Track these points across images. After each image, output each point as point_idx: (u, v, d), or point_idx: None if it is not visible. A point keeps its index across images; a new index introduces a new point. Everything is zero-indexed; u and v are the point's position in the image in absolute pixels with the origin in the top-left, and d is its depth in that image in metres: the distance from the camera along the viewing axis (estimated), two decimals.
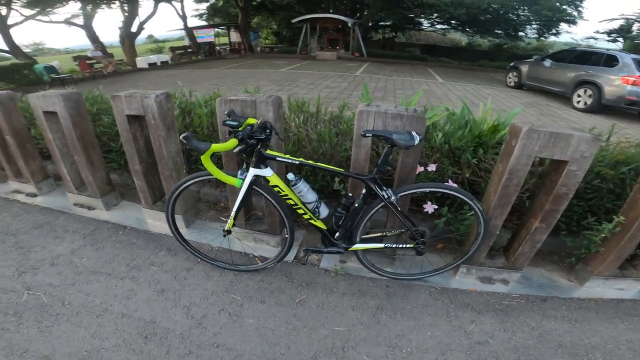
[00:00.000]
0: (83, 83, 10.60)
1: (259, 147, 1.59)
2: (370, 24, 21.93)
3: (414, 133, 1.55)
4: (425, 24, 22.46)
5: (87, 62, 12.21)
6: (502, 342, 1.74)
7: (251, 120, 1.67)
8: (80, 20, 16.85)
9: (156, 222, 2.54)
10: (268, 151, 1.64)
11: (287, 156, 1.64)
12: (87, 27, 16.47)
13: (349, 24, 18.50)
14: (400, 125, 1.64)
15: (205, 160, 1.47)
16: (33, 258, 2.20)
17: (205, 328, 1.74)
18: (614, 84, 7.40)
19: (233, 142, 1.46)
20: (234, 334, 1.71)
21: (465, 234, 2.10)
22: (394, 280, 2.10)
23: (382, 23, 22.84)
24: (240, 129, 1.60)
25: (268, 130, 1.59)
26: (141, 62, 14.80)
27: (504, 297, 2.03)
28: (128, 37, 16.65)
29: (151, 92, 2.07)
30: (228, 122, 1.62)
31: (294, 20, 19.47)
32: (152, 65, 14.94)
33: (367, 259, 2.02)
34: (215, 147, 1.42)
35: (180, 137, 1.35)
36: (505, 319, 1.87)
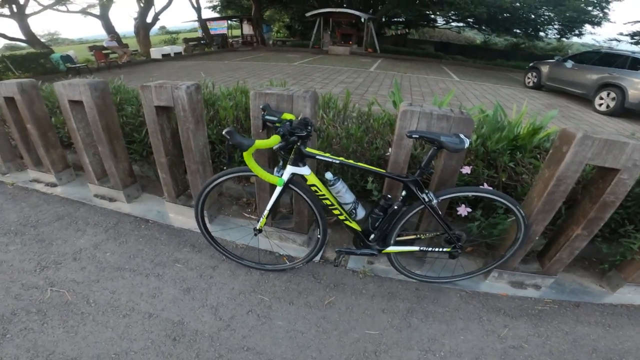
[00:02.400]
0: (98, 73, 10.64)
1: (299, 144, 1.53)
2: (383, 20, 21.61)
3: (462, 136, 1.47)
4: (441, 21, 22.08)
5: (103, 52, 12.23)
6: (537, 346, 1.71)
7: (287, 116, 1.61)
8: (96, 10, 16.90)
9: (178, 216, 2.50)
10: (307, 149, 1.57)
11: (327, 154, 1.57)
12: (104, 17, 16.51)
13: (363, 19, 18.27)
14: (446, 127, 1.57)
15: (248, 156, 1.42)
16: (55, 252, 2.17)
17: (234, 330, 1.69)
18: (639, 87, 7.17)
19: (276, 138, 1.40)
20: (264, 337, 1.66)
21: (497, 238, 2.03)
22: (424, 283, 2.05)
23: (395, 19, 22.50)
24: (278, 124, 1.54)
25: (309, 127, 1.52)
26: (155, 52, 14.81)
27: (537, 302, 1.98)
28: (143, 28, 16.65)
29: (181, 82, 2.02)
30: (267, 117, 1.56)
31: (307, 14, 19.29)
32: (166, 56, 14.95)
33: (398, 261, 1.96)
34: (259, 143, 1.36)
35: (224, 132, 1.29)
36: (539, 324, 1.84)
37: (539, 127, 2.16)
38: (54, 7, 15.45)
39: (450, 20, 21.17)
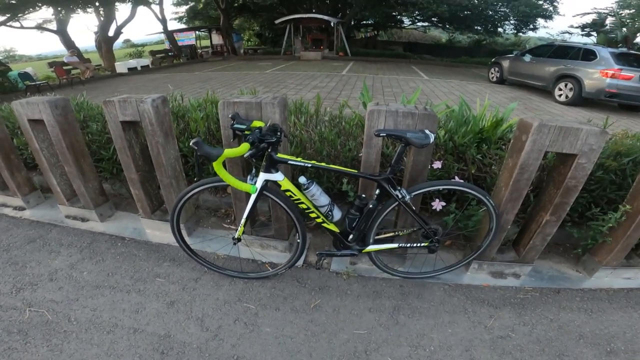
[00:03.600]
0: (60, 90, 10.20)
1: (269, 150, 1.54)
2: (352, 23, 22.01)
3: (427, 131, 1.53)
4: (407, 21, 22.74)
5: (64, 68, 11.77)
6: (524, 335, 1.75)
7: (257, 123, 1.61)
8: (53, 26, 16.24)
9: (156, 232, 2.44)
10: (279, 154, 1.58)
11: (299, 159, 1.59)
12: (62, 33, 15.87)
13: (332, 24, 18.53)
14: (412, 124, 1.62)
15: (218, 166, 1.41)
16: (29, 274, 2.09)
17: (222, 340, 1.67)
18: (594, 77, 7.63)
19: (245, 146, 1.40)
20: (253, 344, 1.65)
21: (474, 229, 2.10)
22: (407, 280, 2.08)
23: (364, 22, 22.99)
24: (247, 132, 1.54)
25: (279, 133, 1.53)
26: (120, 67, 14.40)
27: (518, 291, 2.04)
28: (105, 42, 16.14)
29: (146, 96, 1.98)
30: (236, 126, 1.55)
31: (277, 21, 19.37)
32: (132, 70, 14.56)
33: (380, 260, 1.99)
34: (228, 152, 1.36)
35: (191, 143, 1.29)
36: (523, 313, 1.89)
37: (500, 119, 2.27)
38: (7, 24, 14.71)
39: (416, 20, 21.87)
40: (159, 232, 2.43)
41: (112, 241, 2.41)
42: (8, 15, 14.23)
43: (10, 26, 15.15)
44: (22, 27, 15.84)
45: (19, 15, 14.85)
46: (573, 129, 1.53)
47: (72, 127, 2.28)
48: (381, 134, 1.52)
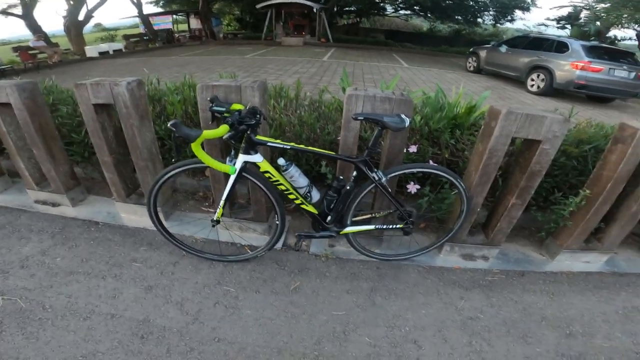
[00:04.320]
0: (26, 74, 9.63)
1: (248, 132, 1.54)
2: (335, 9, 21.71)
3: (403, 116, 1.58)
4: (390, 9, 22.67)
5: (29, 52, 11.09)
6: (491, 317, 1.84)
7: (237, 106, 1.62)
8: (18, 10, 15.18)
9: (131, 215, 2.40)
10: (258, 137, 1.59)
11: (278, 141, 1.61)
12: (27, 17, 14.87)
13: (315, 10, 18.22)
14: (389, 109, 1.66)
15: (196, 148, 1.41)
16: (0, 261, 2.02)
17: (203, 323, 1.69)
18: (564, 68, 7.92)
19: (224, 128, 1.40)
20: (233, 327, 1.68)
21: (447, 212, 2.19)
22: (384, 262, 2.16)
23: (347, 8, 22.72)
24: (226, 114, 1.54)
25: (258, 116, 1.54)
26: (91, 50, 13.65)
27: (486, 273, 2.15)
28: (74, 26, 15.21)
29: (121, 79, 1.93)
30: (215, 108, 1.55)
31: (258, 6, 18.83)
32: (104, 54, 13.84)
33: (357, 242, 2.05)
34: (207, 133, 1.35)
35: (169, 124, 1.28)
36: (491, 294, 1.98)
37: (473, 106, 2.35)
38: None
39: (399, 8, 21.83)
40: (134, 216, 2.39)
41: (85, 226, 2.36)
42: None
43: None
44: None
45: None
46: (538, 116, 1.62)
47: (41, 110, 2.19)
48: (359, 118, 1.56)
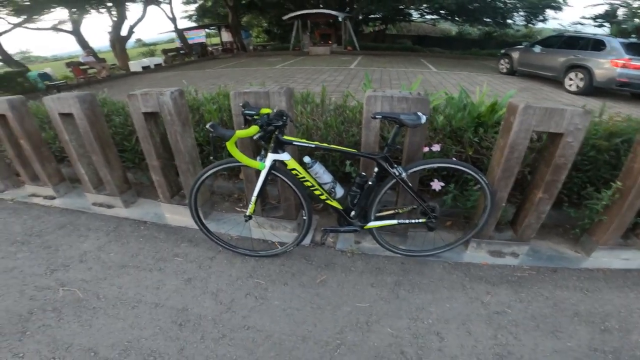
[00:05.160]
0: (79, 89, 10.58)
1: (276, 133, 1.70)
2: (360, 17, 21.94)
3: (419, 113, 1.67)
4: (415, 15, 22.53)
5: (81, 67, 12.18)
6: (520, 311, 1.81)
7: (265, 110, 1.78)
8: (68, 26, 16.74)
9: (175, 215, 2.64)
10: (285, 136, 1.75)
11: (303, 140, 1.75)
12: (76, 33, 16.35)
13: (340, 18, 18.52)
14: (406, 108, 1.76)
15: (231, 146, 1.58)
16: (62, 256, 2.29)
17: (235, 312, 1.83)
18: (604, 66, 7.57)
19: (255, 128, 1.57)
20: (262, 316, 1.80)
21: (472, 209, 2.22)
22: (409, 257, 2.21)
23: (372, 16, 22.87)
24: (256, 117, 1.71)
25: (285, 118, 1.70)
26: (134, 65, 14.79)
27: (516, 270, 2.11)
28: (118, 42, 16.57)
29: (165, 89, 2.17)
30: (246, 112, 1.72)
31: (284, 17, 19.46)
32: (146, 69, 14.94)
33: (382, 238, 2.13)
34: (240, 133, 1.53)
35: (207, 126, 1.46)
36: (520, 290, 1.95)
37: (494, 103, 2.37)
38: (24, 25, 15.20)
39: (424, 14, 21.63)
40: (177, 216, 2.63)
41: (135, 225, 2.63)
42: (24, 17, 14.74)
43: (26, 27, 15.69)
44: (38, 28, 16.39)
45: (35, 16, 15.37)
46: (558, 109, 1.65)
47: (98, 119, 2.49)
48: (377, 116, 1.67)
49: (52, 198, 3.02)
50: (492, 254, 2.22)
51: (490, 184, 1.91)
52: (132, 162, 2.97)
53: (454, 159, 2.17)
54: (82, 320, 1.78)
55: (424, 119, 1.64)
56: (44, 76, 10.58)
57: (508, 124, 1.76)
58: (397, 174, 1.77)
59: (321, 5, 20.62)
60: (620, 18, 16.09)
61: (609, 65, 7.46)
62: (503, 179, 1.91)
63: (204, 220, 2.20)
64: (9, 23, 14.64)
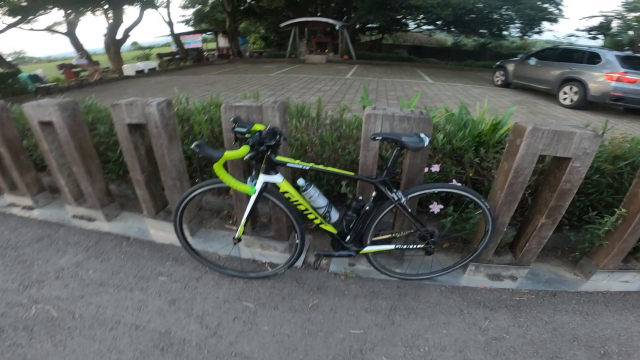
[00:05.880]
0: (70, 92, 10.40)
1: (268, 153, 1.59)
2: (357, 27, 22.11)
3: (422, 135, 1.57)
4: (412, 25, 22.77)
5: (73, 70, 11.98)
6: (518, 337, 1.76)
7: (258, 127, 1.66)
8: (63, 28, 16.57)
9: (159, 232, 2.50)
10: (278, 157, 1.64)
11: (297, 162, 1.64)
12: (71, 35, 16.18)
13: (337, 27, 18.62)
14: (407, 128, 1.66)
15: (218, 168, 1.46)
16: (37, 271, 2.16)
17: (221, 337, 1.72)
18: (598, 80, 7.58)
19: (245, 149, 1.45)
20: (251, 342, 1.70)
21: (471, 232, 2.13)
22: (405, 281, 2.12)
23: (369, 25, 23.05)
24: (247, 135, 1.60)
25: (278, 136, 1.59)
26: (128, 69, 14.58)
27: (514, 293, 2.06)
28: (113, 45, 16.43)
29: (152, 99, 2.04)
30: (237, 129, 1.61)
31: (282, 25, 19.50)
32: (140, 73, 14.73)
33: (377, 261, 2.03)
34: (229, 154, 1.41)
35: (193, 145, 1.34)
36: (518, 314, 1.90)
37: (497, 123, 2.30)
38: (18, 26, 15.01)
39: (421, 24, 21.88)
40: (162, 232, 2.49)
41: (117, 241, 2.48)
42: (19, 17, 14.55)
43: (21, 28, 15.49)
44: (32, 29, 16.19)
45: (30, 17, 15.18)
46: (567, 132, 1.56)
47: (80, 129, 2.36)
48: (377, 138, 1.57)
49: (31, 209, 2.87)
50: (491, 277, 2.15)
51: (492, 209, 1.82)
52: (116, 174, 2.83)
53: (455, 181, 2.08)
54: (55, 341, 1.68)
55: (427, 141, 1.54)
56: (35, 78, 10.35)
57: (513, 146, 1.68)
58: (396, 199, 1.67)
59: (319, 14, 20.71)
60: (614, 30, 16.40)
61: (604, 78, 7.47)
62: (506, 204, 1.82)
63: (189, 240, 2.08)
64: (3, 23, 14.44)
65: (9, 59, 15.88)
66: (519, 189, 1.76)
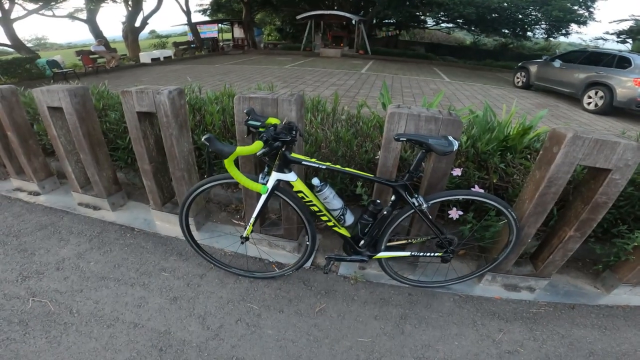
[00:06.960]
0: (86, 78, 10.50)
1: (283, 149, 1.48)
2: (374, 22, 21.70)
3: (451, 138, 1.44)
4: (430, 22, 22.25)
5: (90, 56, 12.07)
6: (533, 350, 1.68)
7: (272, 120, 1.56)
8: (83, 15, 16.70)
9: (165, 224, 2.44)
10: (292, 154, 1.53)
11: (313, 160, 1.53)
12: (91, 22, 16.32)
13: (354, 21, 18.34)
14: (434, 129, 1.53)
15: (229, 164, 1.36)
16: (37, 262, 2.10)
17: (223, 340, 1.64)
18: (626, 85, 7.27)
19: (258, 144, 1.35)
20: (253, 346, 1.62)
21: (491, 241, 2.00)
22: (417, 288, 2.01)
23: (386, 21, 22.61)
24: (261, 129, 1.49)
25: (294, 132, 1.48)
26: (144, 57, 14.65)
27: (531, 305, 1.96)
28: (131, 32, 16.47)
29: (163, 87, 1.96)
30: (250, 122, 1.50)
31: (298, 17, 19.29)
32: (155, 61, 14.79)
33: (390, 266, 1.92)
34: (240, 150, 1.30)
35: (203, 139, 1.24)
36: (534, 327, 1.81)
37: (528, 127, 2.14)
38: (40, 12, 15.21)
39: (440, 21, 21.35)
40: (168, 225, 2.42)
41: (121, 231, 2.42)
42: (41, 3, 14.72)
43: (43, 14, 15.68)
44: (54, 15, 16.37)
45: (52, 3, 15.34)
46: (610, 142, 1.42)
47: (89, 115, 2.29)
48: (401, 139, 1.44)
49: (37, 194, 2.83)
50: (507, 288, 2.05)
51: (518, 219, 1.68)
52: (124, 162, 2.77)
53: (477, 187, 1.94)
54: (50, 337, 1.61)
55: (455, 145, 1.41)
56: (53, 63, 10.42)
57: (549, 154, 1.53)
58: (416, 204, 1.54)
59: (336, 7, 20.39)
60: None
61: (632, 84, 7.15)
62: (534, 215, 1.69)
63: (196, 235, 1.99)
64: (25, 9, 14.60)
65: (30, 45, 16.12)
66: (551, 199, 1.62)
